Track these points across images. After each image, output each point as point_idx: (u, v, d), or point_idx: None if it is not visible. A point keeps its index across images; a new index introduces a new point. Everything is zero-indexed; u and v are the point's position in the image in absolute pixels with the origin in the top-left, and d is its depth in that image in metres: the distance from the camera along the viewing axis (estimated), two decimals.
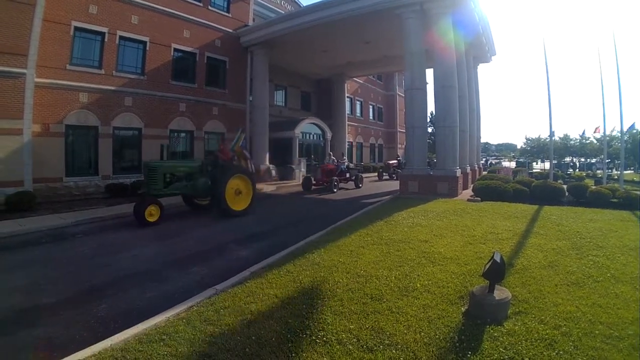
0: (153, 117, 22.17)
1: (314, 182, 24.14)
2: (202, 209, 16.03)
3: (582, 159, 72.71)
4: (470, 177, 24.63)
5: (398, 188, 21.03)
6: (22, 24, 15.89)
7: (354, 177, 26.90)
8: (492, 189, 17.75)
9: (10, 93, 15.69)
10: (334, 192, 22.78)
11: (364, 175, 31.35)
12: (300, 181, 26.51)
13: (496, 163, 63.28)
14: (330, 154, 28.48)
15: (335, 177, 24.09)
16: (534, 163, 75.02)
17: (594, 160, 69.69)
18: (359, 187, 26.16)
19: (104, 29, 19.83)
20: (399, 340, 4.60)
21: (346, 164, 27.07)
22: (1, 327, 5.39)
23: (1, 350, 4.85)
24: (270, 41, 27.06)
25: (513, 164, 64.24)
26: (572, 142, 69.94)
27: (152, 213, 12.88)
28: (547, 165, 67.08)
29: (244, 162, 16.69)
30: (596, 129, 37.69)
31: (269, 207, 17.57)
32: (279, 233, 11.89)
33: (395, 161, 38.12)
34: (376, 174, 38.00)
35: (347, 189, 25.27)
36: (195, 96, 24.69)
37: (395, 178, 32.80)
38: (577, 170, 54.89)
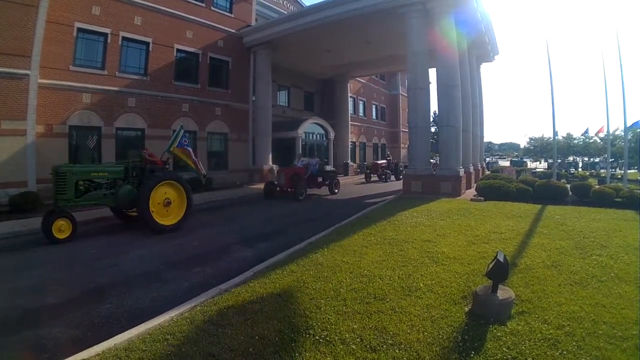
0: (156, 118, 22.23)
1: (277, 188, 20.51)
2: (135, 221, 13.20)
3: (586, 159, 72.59)
4: (473, 176, 24.60)
5: (385, 192, 21.75)
6: (25, 25, 15.96)
7: (327, 182, 22.60)
8: (496, 189, 17.72)
9: (13, 94, 15.76)
10: (300, 200, 19.22)
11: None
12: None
13: (493, 163, 63.29)
14: (299, 155, 25.18)
15: (302, 183, 20.14)
16: (529, 162, 75.13)
17: (597, 160, 69.46)
18: (335, 193, 22.52)
19: (107, 30, 19.89)
20: (402, 340, 4.60)
21: (318, 166, 22.47)
22: (4, 327, 5.41)
23: (2, 349, 4.88)
24: (273, 41, 27.09)
25: (507, 163, 64.38)
26: (575, 141, 69.69)
27: (61, 228, 10.61)
28: (543, 164, 67.13)
29: (191, 164, 14.32)
30: (599, 129, 37.54)
31: (245, 214, 16.04)
32: (232, 254, 9.52)
33: (385, 161, 36.21)
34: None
35: (321, 195, 21.98)
36: (198, 96, 24.74)
37: (385, 180, 32.43)
38: (580, 169, 54.71)
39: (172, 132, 23.04)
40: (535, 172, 36.06)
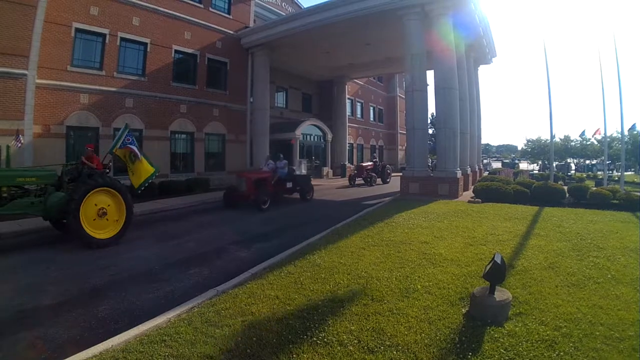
0: (154, 119, 22.19)
1: (239, 195, 17.57)
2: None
3: (582, 160, 73.00)
4: (471, 178, 24.64)
5: (368, 196, 21.29)
6: (23, 25, 15.93)
7: (298, 187, 19.83)
8: (493, 191, 17.75)
9: (11, 94, 15.73)
10: (262, 210, 16.27)
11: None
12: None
13: (486, 164, 63.50)
14: (267, 157, 21.46)
15: (266, 190, 17.45)
16: (520, 163, 75.49)
17: (594, 162, 69.75)
18: (307, 200, 19.91)
19: (105, 31, 19.86)
20: (400, 342, 4.61)
21: (287, 169, 19.77)
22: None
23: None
24: (271, 43, 27.07)
25: (499, 164, 64.62)
26: (572, 143, 69.95)
27: None
28: (533, 165, 67.29)
29: (138, 167, 11.85)
30: (596, 131, 37.64)
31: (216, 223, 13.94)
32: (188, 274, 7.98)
33: (371, 163, 32.84)
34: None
35: (293, 202, 19.47)
36: (196, 97, 24.70)
37: (370, 184, 29.48)
38: (573, 171, 54.81)
39: (170, 134, 23.11)
40: (533, 174, 36.11)
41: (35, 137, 16.79)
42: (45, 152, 17.22)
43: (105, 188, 10.66)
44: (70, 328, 5.41)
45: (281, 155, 20.42)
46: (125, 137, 11.69)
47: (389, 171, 33.15)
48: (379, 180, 31.18)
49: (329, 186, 27.90)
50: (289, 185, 19.51)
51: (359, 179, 30.58)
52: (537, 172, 43.65)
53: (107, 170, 11.91)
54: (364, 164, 32.82)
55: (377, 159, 35.36)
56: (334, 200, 21.04)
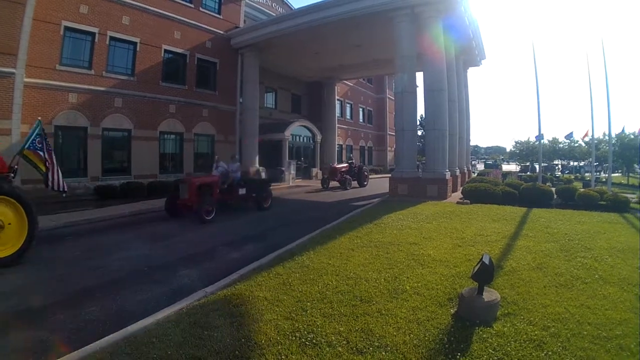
0: (143, 119, 22.09)
1: (182, 203, 14.83)
2: None
3: (567, 162, 73.82)
4: (459, 179, 24.73)
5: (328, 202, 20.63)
6: (12, 23, 15.81)
7: (254, 194, 17.06)
8: (482, 192, 17.82)
9: None
10: (205, 222, 13.63)
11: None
12: (290, 184, 25.45)
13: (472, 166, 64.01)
14: (216, 158, 18.00)
15: (211, 197, 14.67)
16: (504, 164, 76.20)
17: (582, 163, 70.44)
18: (264, 210, 16.90)
19: (95, 29, 19.74)
20: (389, 342, 4.60)
21: (240, 173, 17.18)
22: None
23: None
24: (261, 43, 27.03)
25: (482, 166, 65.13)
26: (560, 145, 70.62)
27: None
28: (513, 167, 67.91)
29: (48, 170, 10.05)
30: (585, 133, 38.02)
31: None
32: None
33: (346, 165, 30.05)
34: (378, 177, 36.71)
35: (249, 212, 16.36)
36: (186, 98, 24.63)
37: (345, 187, 26.99)
38: (560, 173, 55.31)
39: (159, 134, 23.00)
40: (521, 175, 36.30)
41: (23, 136, 16.58)
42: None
43: (2, 196, 8.47)
44: None
45: (236, 156, 17.90)
46: (36, 139, 9.74)
47: (366, 173, 30.21)
48: (355, 183, 28.64)
49: (298, 190, 26.36)
50: (242, 191, 16.67)
51: (334, 181, 27.89)
52: (518, 173, 43.72)
53: (12, 175, 9.42)
54: (337, 166, 29.86)
55: (354, 160, 32.39)
56: (297, 210, 17.92)
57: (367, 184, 29.21)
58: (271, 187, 18.63)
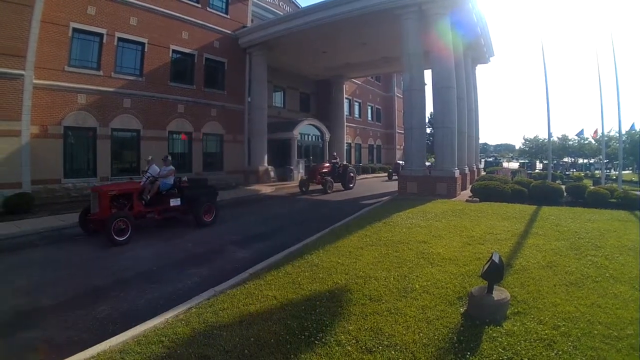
0: (151, 119, 22.16)
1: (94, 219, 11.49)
2: None
3: (574, 159, 73.51)
4: (468, 177, 24.63)
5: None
6: (20, 25, 15.87)
7: (196, 205, 13.23)
8: (491, 190, 17.75)
9: (8, 94, 15.67)
10: (120, 244, 10.45)
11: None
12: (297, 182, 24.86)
13: None
14: (149, 160, 13.96)
15: (127, 212, 11.53)
16: (504, 162, 76.12)
17: (592, 161, 70.00)
18: (205, 225, 13.22)
19: (103, 31, 19.81)
20: (398, 341, 4.60)
21: (172, 179, 13.58)
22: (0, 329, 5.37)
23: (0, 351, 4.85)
24: (268, 42, 27.04)
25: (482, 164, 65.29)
26: (570, 142, 70.19)
27: None
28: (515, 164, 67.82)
29: None
30: (595, 132, 37.76)
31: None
32: None
33: (328, 165, 26.22)
34: (381, 175, 36.87)
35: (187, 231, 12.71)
36: (194, 97, 24.68)
37: (326, 191, 23.41)
38: (572, 170, 55.03)
39: (168, 134, 23.09)
40: (531, 173, 36.10)
41: (32, 137, 16.73)
42: (42, 153, 17.23)
43: None
44: None
45: (168, 157, 14.05)
46: None
47: (352, 174, 26.66)
48: (339, 186, 25.66)
49: (267, 195, 22.80)
50: (175, 202, 13.20)
51: (314, 184, 24.58)
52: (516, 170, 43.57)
53: None
54: (319, 167, 26.01)
55: (338, 160, 27.33)
56: (249, 226, 13.55)
57: (353, 186, 26.16)
58: (217, 196, 14.90)
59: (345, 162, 29.57)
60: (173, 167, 13.76)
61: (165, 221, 13.58)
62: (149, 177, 12.97)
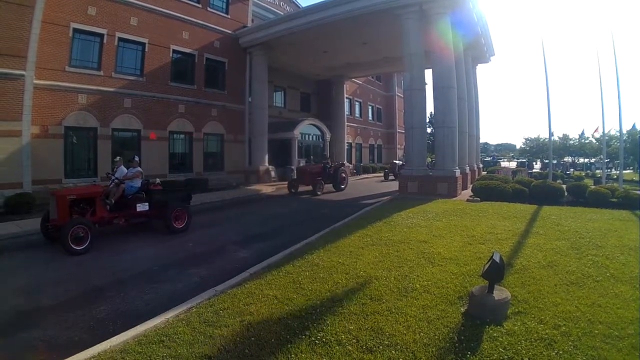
0: (152, 119, 22.18)
1: (52, 225, 10.43)
2: None
3: (574, 159, 73.63)
4: (469, 177, 24.63)
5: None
6: (21, 25, 15.90)
7: (165, 210, 12.04)
8: (492, 189, 17.75)
9: (9, 95, 15.70)
10: (78, 253, 9.45)
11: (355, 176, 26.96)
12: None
13: None
14: (117, 160, 13.32)
15: (85, 219, 10.25)
16: (501, 161, 76.41)
17: (593, 160, 70.06)
18: (176, 231, 12.00)
19: (103, 31, 19.84)
20: (399, 341, 4.60)
21: (139, 182, 12.54)
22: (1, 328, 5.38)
23: (1, 350, 4.86)
24: (269, 42, 27.06)
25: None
26: (571, 142, 70.25)
27: None
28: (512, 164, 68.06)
29: None
30: (595, 130, 37.76)
31: None
32: None
33: (319, 166, 25.28)
34: (382, 175, 36.39)
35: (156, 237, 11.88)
36: (195, 97, 24.70)
37: (316, 193, 22.26)
38: (568, 169, 55.07)
39: (168, 134, 23.10)
40: (531, 172, 36.09)
41: (33, 137, 16.75)
42: (43, 153, 17.26)
43: None
44: None
45: (135, 158, 13.13)
46: None
47: (343, 175, 25.47)
48: (330, 186, 24.50)
49: (267, 195, 22.44)
50: (142, 207, 12.05)
51: (305, 185, 23.32)
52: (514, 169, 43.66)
53: None
54: (308, 167, 25.36)
55: (330, 160, 26.70)
56: (223, 234, 12.12)
57: (345, 187, 25.07)
58: (191, 200, 13.66)
59: (337, 163, 27.48)
60: (140, 169, 12.83)
61: (135, 227, 12.55)
62: (114, 179, 11.97)
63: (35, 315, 5.95)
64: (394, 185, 24.35)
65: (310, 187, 22.85)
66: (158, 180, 14.32)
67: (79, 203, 10.66)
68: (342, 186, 24.96)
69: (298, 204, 18.61)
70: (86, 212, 10.71)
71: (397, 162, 36.18)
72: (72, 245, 9.38)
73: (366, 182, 30.91)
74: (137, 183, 12.33)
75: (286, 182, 25.22)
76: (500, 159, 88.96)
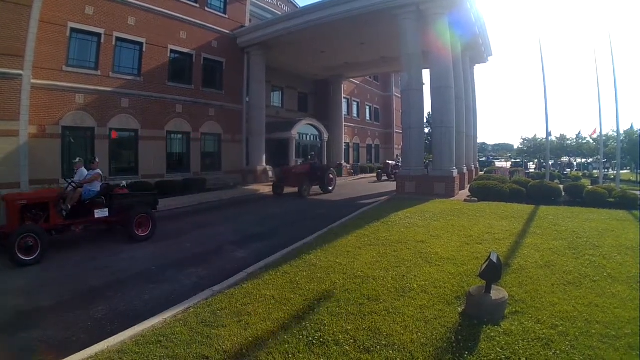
0: (149, 119, 22.14)
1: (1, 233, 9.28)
2: None
3: (569, 158, 73.89)
4: (467, 177, 24.65)
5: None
6: (18, 25, 15.84)
7: (126, 217, 11.13)
8: (489, 189, 17.76)
9: (6, 94, 15.63)
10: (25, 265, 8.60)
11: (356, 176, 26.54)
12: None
13: None
14: (77, 161, 12.16)
15: (46, 224, 9.90)
16: (496, 161, 76.79)
17: (590, 160, 70.18)
18: (142, 240, 11.03)
19: (101, 30, 19.79)
20: (396, 341, 4.60)
21: (99, 185, 11.34)
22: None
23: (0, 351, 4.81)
24: (267, 42, 27.04)
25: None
26: (568, 142, 70.36)
27: None
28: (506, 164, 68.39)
29: None
30: (593, 131, 37.84)
31: None
32: None
33: (305, 166, 23.85)
34: (374, 175, 36.17)
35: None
36: (192, 97, 24.66)
37: (302, 195, 20.90)
38: (564, 169, 55.24)
39: (166, 134, 23.06)
40: (529, 172, 36.14)
41: (30, 137, 16.70)
42: (40, 153, 17.20)
43: None
44: None
45: (95, 160, 11.97)
46: None
47: (331, 176, 24.01)
48: (318, 188, 23.30)
49: (264, 195, 21.78)
50: (101, 213, 10.97)
51: (289, 187, 22.08)
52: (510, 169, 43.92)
53: None
54: (293, 167, 24.15)
55: (317, 160, 25.56)
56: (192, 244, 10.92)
57: (332, 189, 23.70)
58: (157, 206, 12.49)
59: (324, 164, 26.68)
60: (100, 171, 11.53)
61: (99, 234, 11.72)
62: (70, 183, 10.99)
63: None
64: (384, 186, 24.33)
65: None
66: (124, 183, 13.48)
67: (31, 209, 9.80)
68: (330, 188, 23.62)
69: (295, 204, 18.58)
70: (39, 218, 9.83)
71: (390, 162, 36.04)
72: (20, 256, 8.50)
73: (364, 182, 30.95)
74: (96, 187, 11.11)
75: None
76: (498, 158, 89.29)
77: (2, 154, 15.48)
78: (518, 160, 74.94)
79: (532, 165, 64.67)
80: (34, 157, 16.65)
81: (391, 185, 24.48)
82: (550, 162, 52.14)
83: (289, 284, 6.65)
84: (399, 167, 30.85)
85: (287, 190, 22.38)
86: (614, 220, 12.05)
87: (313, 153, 26.31)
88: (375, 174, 36.39)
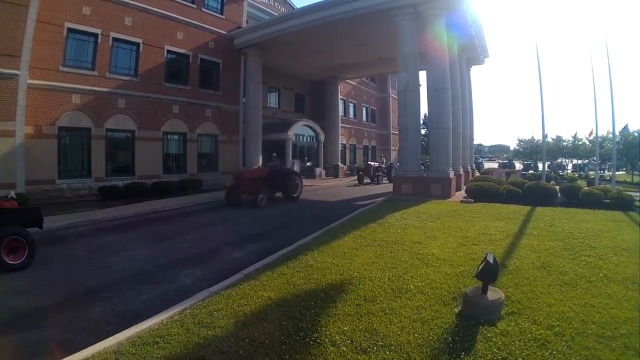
0: (146, 119, 22.08)
1: None
2: None
3: (565, 160, 74.33)
4: (463, 178, 24.69)
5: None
6: (15, 25, 15.80)
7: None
8: (485, 191, 17.78)
9: (2, 94, 15.60)
10: None
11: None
12: None
13: None
14: None
15: None
16: (486, 162, 77.67)
17: (585, 161, 70.49)
18: (15, 270, 8.03)
19: (97, 31, 19.74)
20: (393, 342, 4.61)
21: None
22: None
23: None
24: (263, 43, 27.00)
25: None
26: (564, 143, 70.56)
27: None
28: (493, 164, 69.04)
29: None
30: (590, 132, 38.01)
31: None
32: None
33: (263, 169, 20.89)
34: (382, 176, 32.91)
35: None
36: (189, 98, 24.60)
37: (257, 204, 17.43)
38: (559, 170, 55.49)
39: (162, 134, 23.01)
40: (525, 174, 36.25)
41: (26, 137, 16.65)
42: (36, 154, 17.15)
43: None
44: None
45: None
46: None
47: (297, 181, 20.78)
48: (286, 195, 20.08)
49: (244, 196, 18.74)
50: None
51: (245, 194, 18.68)
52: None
53: None
54: (247, 172, 20.11)
55: (279, 161, 22.72)
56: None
57: (297, 196, 20.50)
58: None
59: (288, 167, 23.05)
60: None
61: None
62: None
63: None
64: (376, 189, 24.20)
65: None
66: (12, 193, 11.12)
67: None
68: (294, 195, 20.26)
69: (293, 205, 18.56)
70: None
71: (373, 163, 34.27)
72: None
73: (341, 184, 30.79)
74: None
75: None
76: (493, 159, 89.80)
77: None
78: (506, 161, 75.86)
79: (519, 166, 65.83)
80: (30, 158, 16.61)
81: (368, 190, 23.94)
82: (547, 164, 52.40)
83: (285, 285, 6.64)
84: (383, 168, 31.10)
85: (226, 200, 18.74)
86: (610, 221, 12.09)
87: (274, 154, 22.86)
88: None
